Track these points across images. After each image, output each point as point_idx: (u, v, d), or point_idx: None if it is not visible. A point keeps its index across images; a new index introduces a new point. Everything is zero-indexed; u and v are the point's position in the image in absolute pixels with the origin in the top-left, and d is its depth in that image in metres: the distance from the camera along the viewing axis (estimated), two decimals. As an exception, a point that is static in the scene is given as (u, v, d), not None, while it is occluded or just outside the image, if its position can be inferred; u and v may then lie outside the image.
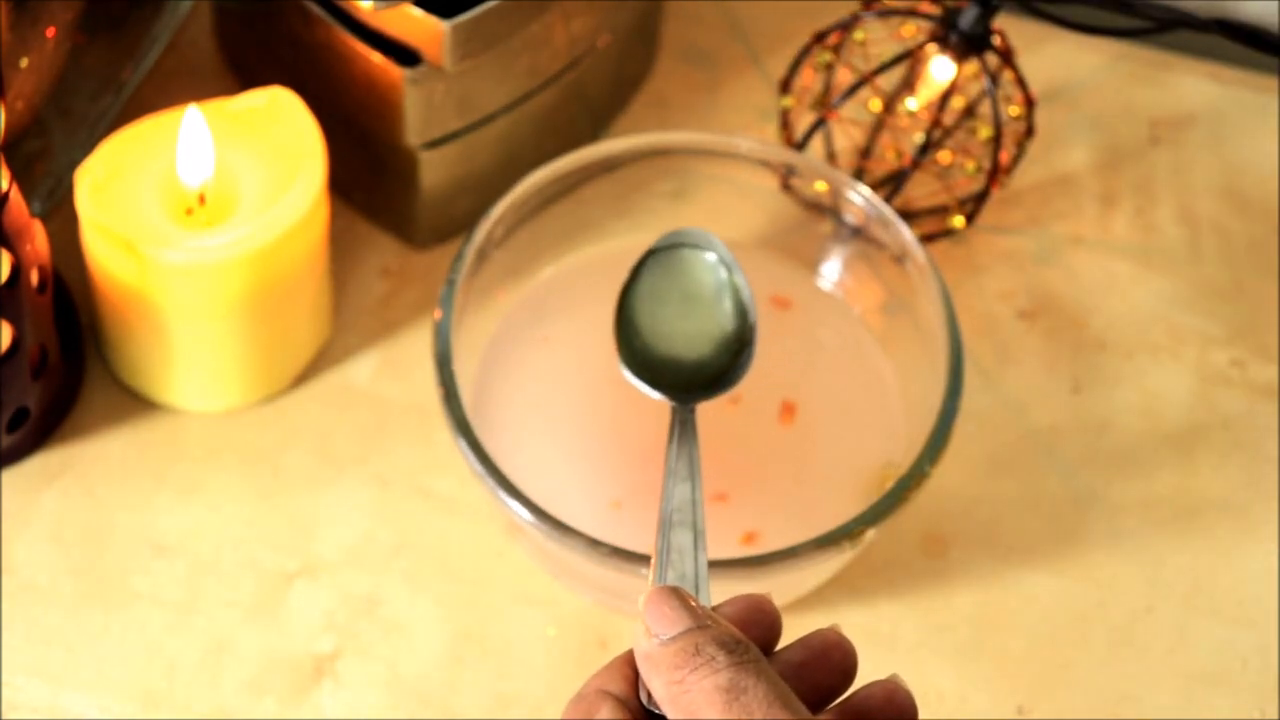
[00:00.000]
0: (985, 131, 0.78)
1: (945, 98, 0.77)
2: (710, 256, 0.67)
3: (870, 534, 0.66)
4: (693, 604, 0.50)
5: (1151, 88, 0.87)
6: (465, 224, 0.77)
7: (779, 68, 0.83)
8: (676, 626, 0.49)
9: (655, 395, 0.64)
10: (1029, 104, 0.78)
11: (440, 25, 0.70)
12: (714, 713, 0.47)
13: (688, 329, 0.67)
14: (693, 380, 0.65)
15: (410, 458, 0.75)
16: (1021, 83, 0.78)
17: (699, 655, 0.48)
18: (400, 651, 0.71)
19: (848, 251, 0.74)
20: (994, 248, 0.82)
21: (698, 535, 0.55)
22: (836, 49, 0.79)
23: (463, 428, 0.66)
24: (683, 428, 0.61)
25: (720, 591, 0.67)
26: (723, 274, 0.67)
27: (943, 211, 0.80)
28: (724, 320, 0.66)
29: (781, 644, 0.52)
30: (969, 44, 0.77)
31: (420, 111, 0.74)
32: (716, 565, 0.64)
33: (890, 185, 0.78)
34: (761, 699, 0.47)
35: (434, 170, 0.76)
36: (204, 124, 0.71)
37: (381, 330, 0.78)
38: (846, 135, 0.80)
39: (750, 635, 0.50)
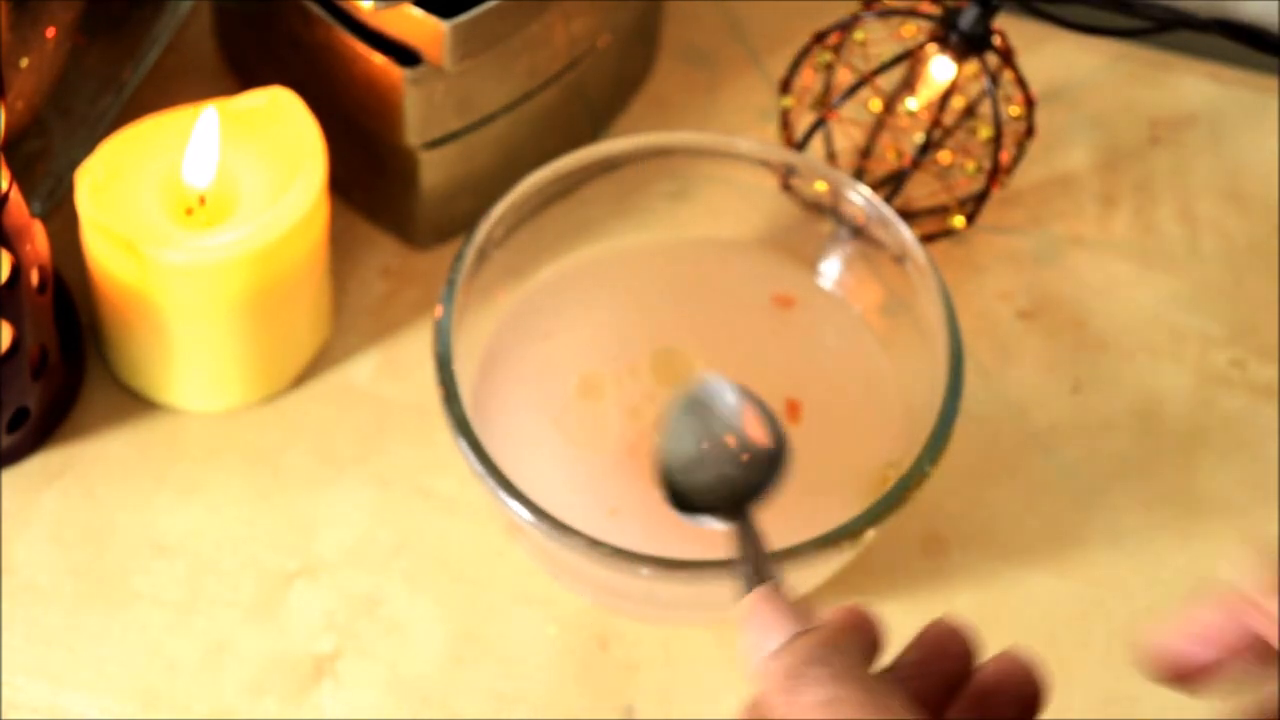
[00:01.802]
0: (985, 131, 0.78)
1: (945, 98, 0.77)
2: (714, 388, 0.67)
3: (870, 534, 0.66)
4: (791, 605, 0.51)
5: (1151, 88, 0.87)
6: (465, 224, 0.77)
7: (779, 68, 0.83)
8: (780, 634, 0.50)
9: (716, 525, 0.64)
10: (1029, 104, 0.78)
11: (440, 25, 0.70)
12: None
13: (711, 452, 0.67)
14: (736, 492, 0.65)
15: (410, 458, 0.75)
16: (1021, 83, 0.78)
17: (799, 675, 0.49)
18: (400, 651, 0.71)
19: (848, 252, 0.74)
20: (994, 248, 0.82)
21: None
22: (836, 49, 0.79)
23: (463, 428, 0.66)
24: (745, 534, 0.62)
25: (724, 591, 0.67)
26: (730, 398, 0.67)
27: (943, 211, 0.80)
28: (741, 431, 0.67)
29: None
30: (969, 44, 0.77)
31: (420, 111, 0.73)
32: (718, 566, 0.64)
33: (890, 185, 0.78)
34: (856, 706, 0.48)
35: (434, 170, 0.76)
36: (216, 124, 0.71)
37: (382, 330, 0.78)
38: (846, 135, 0.80)
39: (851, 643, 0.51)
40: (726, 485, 0.65)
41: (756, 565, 0.59)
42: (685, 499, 0.65)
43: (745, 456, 0.66)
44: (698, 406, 0.67)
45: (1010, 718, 0.52)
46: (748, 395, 0.67)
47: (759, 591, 0.52)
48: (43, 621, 0.70)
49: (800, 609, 0.51)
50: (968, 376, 0.77)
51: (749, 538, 0.61)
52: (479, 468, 0.65)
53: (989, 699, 0.52)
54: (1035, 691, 0.53)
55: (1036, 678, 0.53)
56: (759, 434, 0.66)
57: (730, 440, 0.66)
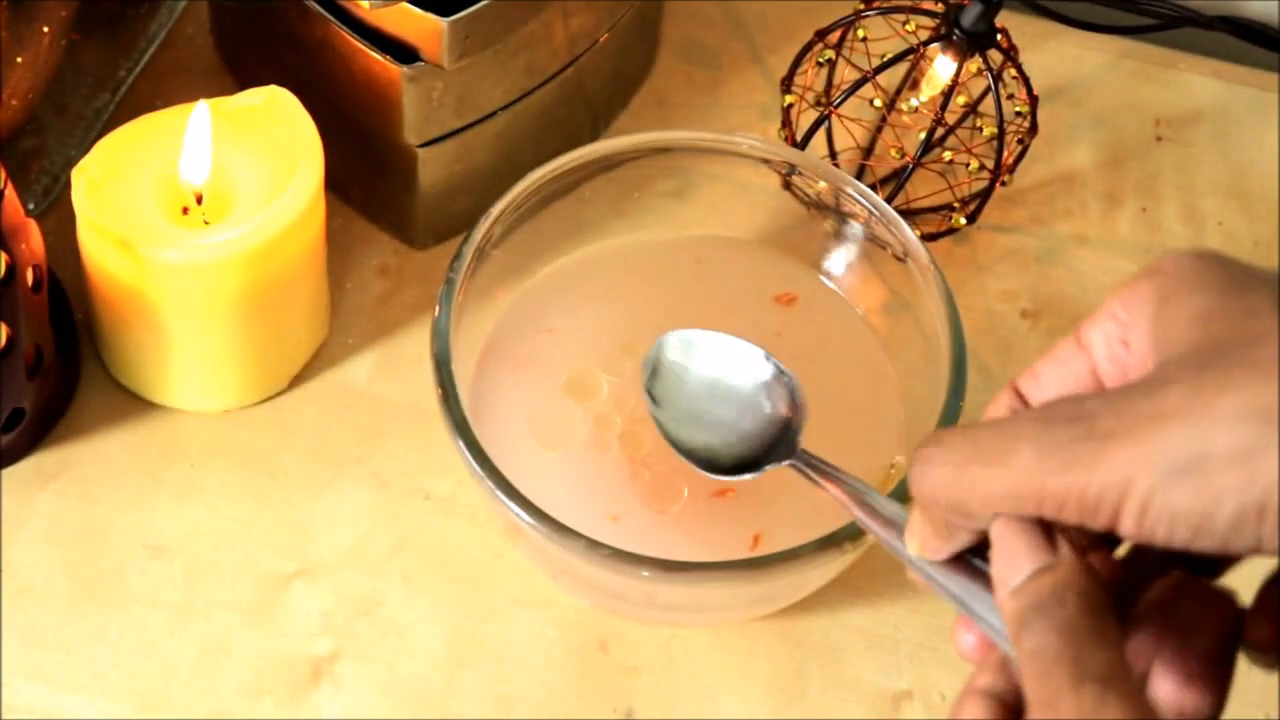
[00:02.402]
0: (988, 129, 0.78)
1: (948, 95, 0.77)
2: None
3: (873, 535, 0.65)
4: (1033, 532, 0.51)
5: (1156, 85, 0.86)
6: (464, 223, 0.77)
7: (780, 65, 0.83)
8: (1024, 566, 0.51)
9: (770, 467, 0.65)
10: (1032, 102, 0.78)
11: (438, 22, 0.70)
12: (1029, 682, 0.49)
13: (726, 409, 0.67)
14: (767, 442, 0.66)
15: (408, 458, 0.74)
16: (1025, 80, 0.78)
17: (1024, 622, 0.50)
18: (399, 653, 0.70)
19: (850, 251, 0.74)
20: (997, 246, 0.81)
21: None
22: (838, 46, 0.78)
23: (461, 428, 0.66)
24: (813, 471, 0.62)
25: (725, 593, 0.67)
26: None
27: (945, 210, 0.80)
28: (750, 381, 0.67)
29: None
30: (972, 41, 0.76)
31: (419, 109, 0.73)
32: (719, 568, 0.63)
33: (893, 184, 0.78)
34: (1052, 658, 0.49)
35: (432, 169, 0.76)
36: (208, 121, 0.70)
37: (379, 330, 0.77)
38: (848, 133, 0.80)
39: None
40: (764, 433, 0.65)
41: (853, 494, 0.60)
42: (713, 461, 0.65)
43: (761, 403, 0.66)
44: (679, 361, 0.67)
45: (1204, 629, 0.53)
46: (723, 338, 0.67)
47: (1004, 521, 0.51)
48: (40, 623, 0.70)
49: (1041, 535, 0.51)
50: (970, 376, 0.76)
51: (821, 472, 0.62)
52: (477, 469, 0.65)
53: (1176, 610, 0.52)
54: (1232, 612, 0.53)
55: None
56: (754, 375, 0.66)
57: (729, 392, 0.66)
